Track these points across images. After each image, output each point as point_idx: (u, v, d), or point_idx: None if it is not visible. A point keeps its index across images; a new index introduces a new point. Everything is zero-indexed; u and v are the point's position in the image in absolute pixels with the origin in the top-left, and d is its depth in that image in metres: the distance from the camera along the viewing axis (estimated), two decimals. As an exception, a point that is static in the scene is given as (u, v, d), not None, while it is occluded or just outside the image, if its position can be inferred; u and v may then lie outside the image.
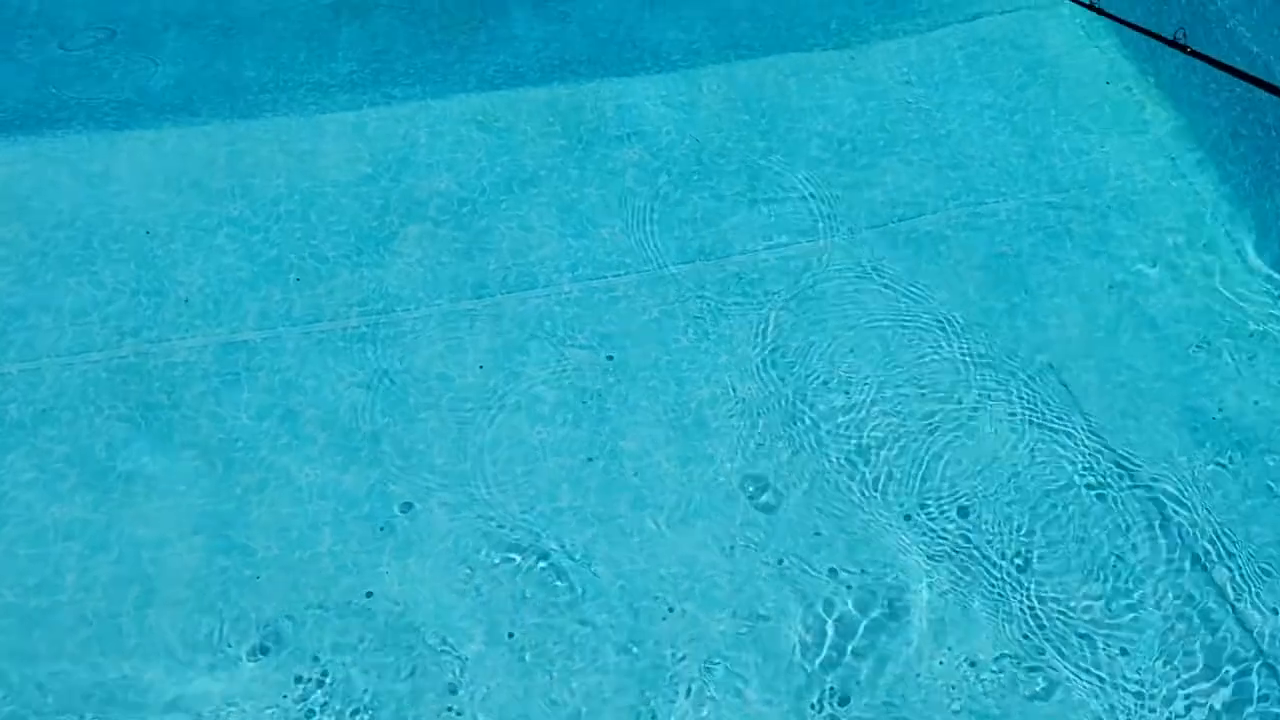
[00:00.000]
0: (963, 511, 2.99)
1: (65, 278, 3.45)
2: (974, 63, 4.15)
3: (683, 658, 2.73)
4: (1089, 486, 3.03)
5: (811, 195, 3.81)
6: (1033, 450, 3.11)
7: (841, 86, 4.16)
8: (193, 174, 3.81)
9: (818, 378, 3.30)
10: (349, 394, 3.28)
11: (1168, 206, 3.69)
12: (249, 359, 3.35)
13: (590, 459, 3.12)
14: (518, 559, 2.93)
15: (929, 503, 3.01)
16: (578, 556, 2.93)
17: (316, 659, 2.74)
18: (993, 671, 2.71)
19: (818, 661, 2.73)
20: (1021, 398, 3.23)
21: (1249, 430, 3.11)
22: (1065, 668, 2.71)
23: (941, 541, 2.94)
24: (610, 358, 3.36)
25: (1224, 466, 3.05)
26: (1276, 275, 3.48)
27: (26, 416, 3.17)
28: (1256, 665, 2.69)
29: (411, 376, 3.32)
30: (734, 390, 3.28)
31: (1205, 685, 2.66)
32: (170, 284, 3.52)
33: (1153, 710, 2.63)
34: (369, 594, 2.85)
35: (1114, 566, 2.87)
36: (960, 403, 3.22)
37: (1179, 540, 2.91)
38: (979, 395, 3.24)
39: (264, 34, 4.52)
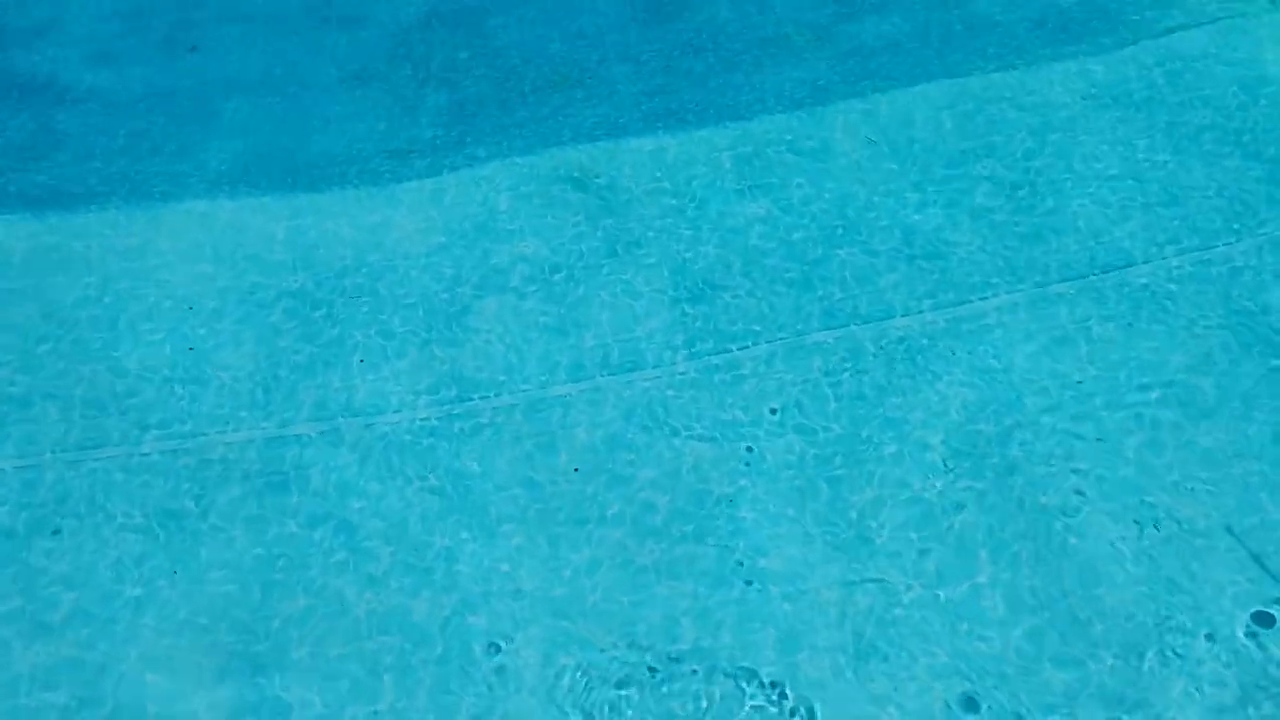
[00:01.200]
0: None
1: (79, 364, 2.90)
2: (1176, 81, 3.38)
3: None
4: None
5: (983, 247, 3.06)
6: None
7: (1011, 118, 3.43)
8: (248, 247, 3.28)
9: (1025, 477, 2.50)
10: (419, 501, 2.62)
11: None
12: (299, 456, 2.73)
13: (720, 583, 2.37)
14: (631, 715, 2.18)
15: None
16: None
17: None
18: None
19: None
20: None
21: None
22: None
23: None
24: (750, 449, 2.63)
25: None
26: None
27: (19, 523, 2.58)
28: None
29: (493, 482, 2.64)
30: (909, 491, 2.50)
31: None
32: (211, 368, 2.94)
33: None
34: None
35: None
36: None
37: None
38: None
39: (339, 102, 4.05)
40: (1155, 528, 2.38)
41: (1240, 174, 3.07)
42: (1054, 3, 3.97)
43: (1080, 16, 3.82)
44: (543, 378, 2.88)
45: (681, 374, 2.84)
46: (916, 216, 3.21)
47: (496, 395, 2.85)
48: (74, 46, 4.24)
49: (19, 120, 3.88)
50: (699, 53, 4.26)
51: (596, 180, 3.44)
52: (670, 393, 2.79)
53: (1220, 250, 2.93)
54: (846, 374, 2.76)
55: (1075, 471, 2.50)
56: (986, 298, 2.94)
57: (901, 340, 2.84)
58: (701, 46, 4.31)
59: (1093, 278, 2.93)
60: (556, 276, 3.13)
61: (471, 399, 2.84)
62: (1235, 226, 2.96)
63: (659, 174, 3.45)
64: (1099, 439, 2.55)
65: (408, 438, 2.76)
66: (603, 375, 2.85)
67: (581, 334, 2.97)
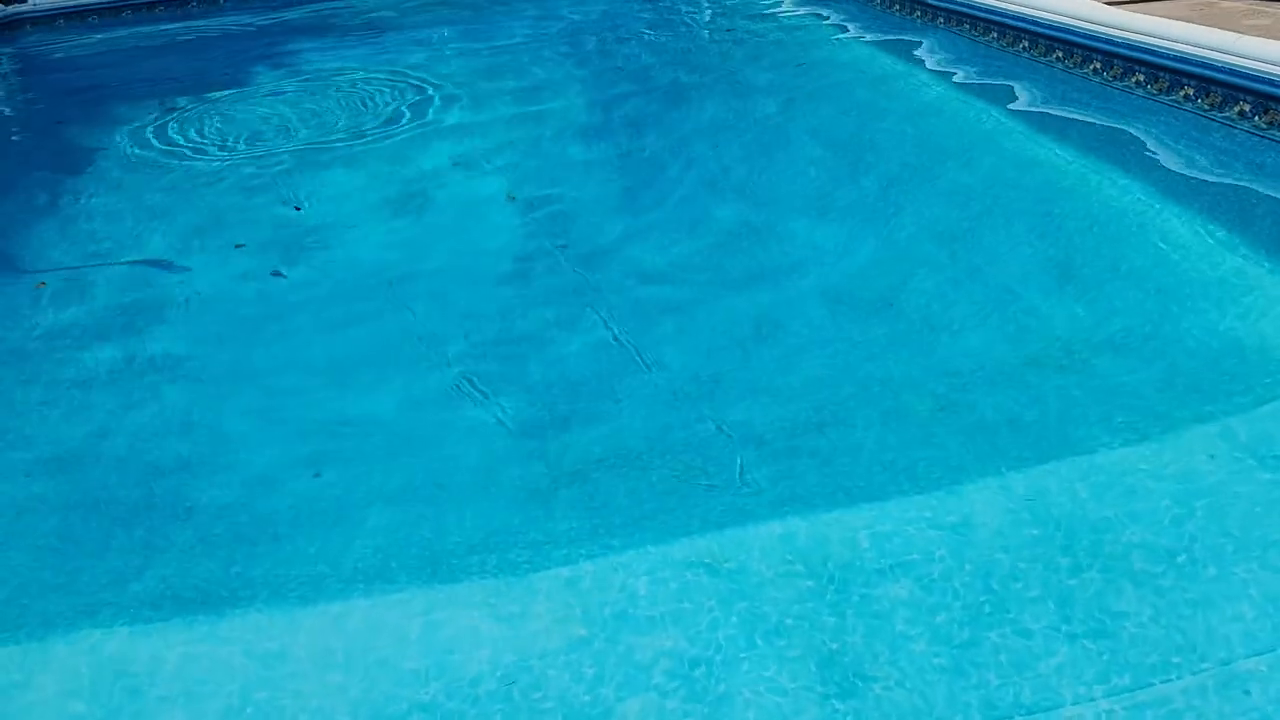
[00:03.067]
0: None
1: (214, 787, 2.82)
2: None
3: None
4: None
5: (1152, 620, 2.86)
6: None
7: (1150, 488, 3.33)
8: (380, 650, 3.26)
9: None
10: None
11: None
12: None
13: None
14: None
15: None
16: None
17: None
18: None
19: None
20: None
21: None
22: None
23: None
24: None
25: None
26: None
27: None
28: None
29: None
30: None
31: None
32: (340, 790, 2.82)
33: None
34: None
35: None
36: None
37: None
38: None
39: (475, 500, 4.20)
40: None
41: None
42: (1178, 367, 3.98)
43: (1211, 381, 3.80)
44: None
45: (846, 778, 2.61)
46: (1071, 581, 3.05)
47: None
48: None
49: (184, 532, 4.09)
50: (822, 429, 4.34)
51: (726, 564, 3.40)
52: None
53: None
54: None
55: None
56: (1170, 680, 2.69)
57: (1075, 731, 2.59)
58: (824, 423, 4.40)
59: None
60: (696, 672, 3.01)
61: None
62: None
63: (790, 557, 3.40)
64: None
65: None
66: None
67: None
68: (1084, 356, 4.36)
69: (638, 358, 5.48)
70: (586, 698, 3.00)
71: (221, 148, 8.74)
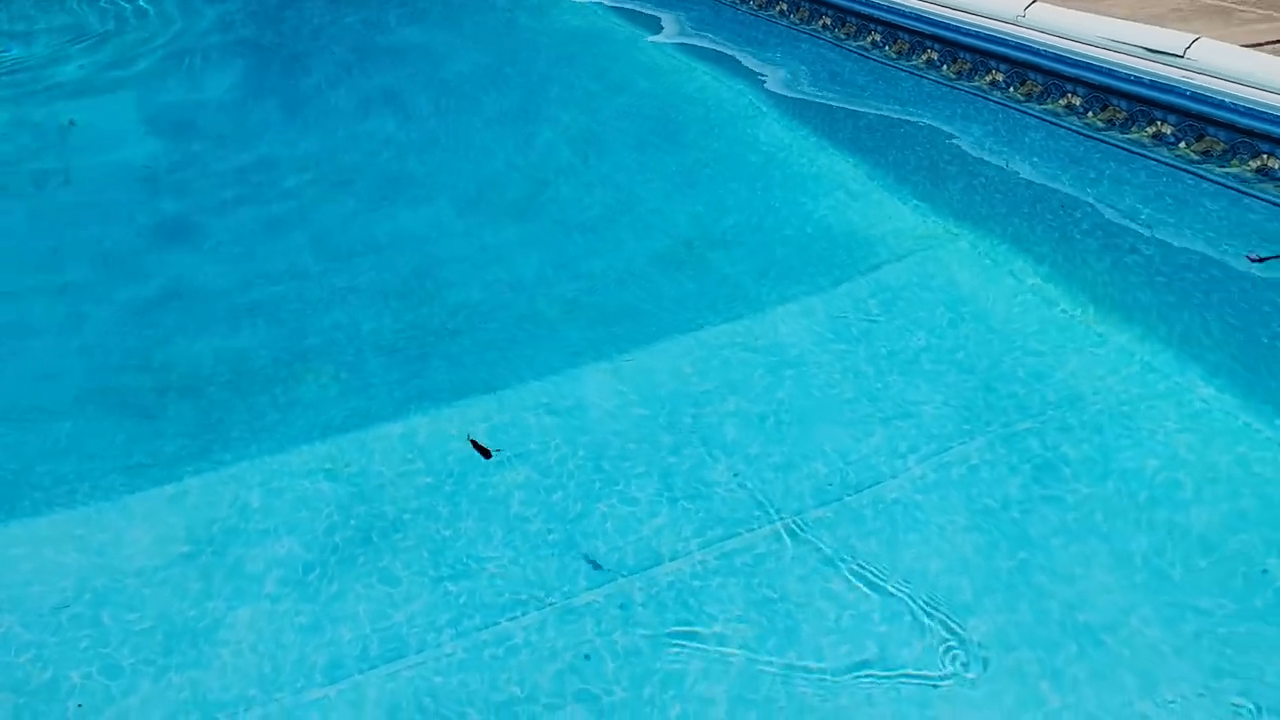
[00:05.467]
0: None
1: None
2: (891, 308, 3.65)
3: None
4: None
5: (742, 483, 3.09)
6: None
7: (746, 359, 3.59)
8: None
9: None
10: None
11: (1169, 409, 3.08)
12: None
13: None
14: None
15: None
16: None
17: None
18: None
19: None
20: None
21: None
22: None
23: None
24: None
25: None
26: None
27: None
28: None
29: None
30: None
31: None
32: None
33: None
34: None
35: None
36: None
37: None
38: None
39: (74, 419, 3.82)
40: None
41: (958, 387, 3.28)
42: (775, 257, 4.30)
43: (801, 267, 4.14)
44: (297, 682, 2.60)
45: (449, 655, 2.63)
46: (672, 459, 3.23)
47: (247, 710, 2.55)
48: None
49: None
50: (455, 336, 4.31)
51: (348, 469, 3.31)
52: (438, 679, 2.57)
53: (955, 450, 3.07)
54: (619, 632, 2.63)
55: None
56: (754, 530, 2.93)
57: (672, 585, 2.76)
58: (458, 330, 4.37)
59: (848, 499, 2.99)
60: (310, 576, 2.92)
61: (215, 721, 2.53)
62: (966, 427, 3.13)
63: (410, 455, 3.37)
64: (878, 655, 2.50)
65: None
66: (361, 672, 2.61)
67: (339, 629, 2.74)
68: (701, 251, 4.61)
69: (265, 265, 5.19)
70: (192, 612, 2.84)
71: None
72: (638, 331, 3.92)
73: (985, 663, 2.46)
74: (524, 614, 2.72)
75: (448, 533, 3.02)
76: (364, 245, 5.28)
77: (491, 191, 5.64)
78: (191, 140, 6.79)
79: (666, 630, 2.63)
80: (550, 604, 2.74)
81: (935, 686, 2.42)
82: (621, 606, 2.69)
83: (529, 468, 3.26)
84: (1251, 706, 2.30)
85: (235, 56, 8.45)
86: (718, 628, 2.62)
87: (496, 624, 2.70)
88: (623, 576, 2.80)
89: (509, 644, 2.64)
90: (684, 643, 2.59)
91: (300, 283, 4.97)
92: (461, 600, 2.78)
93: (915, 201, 4.47)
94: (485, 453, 3.11)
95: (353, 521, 3.11)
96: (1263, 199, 3.10)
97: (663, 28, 7.71)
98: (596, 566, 2.84)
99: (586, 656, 2.58)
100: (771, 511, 2.98)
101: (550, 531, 2.99)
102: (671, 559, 2.84)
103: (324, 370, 4.10)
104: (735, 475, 3.11)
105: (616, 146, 5.85)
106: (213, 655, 2.69)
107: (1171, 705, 2.32)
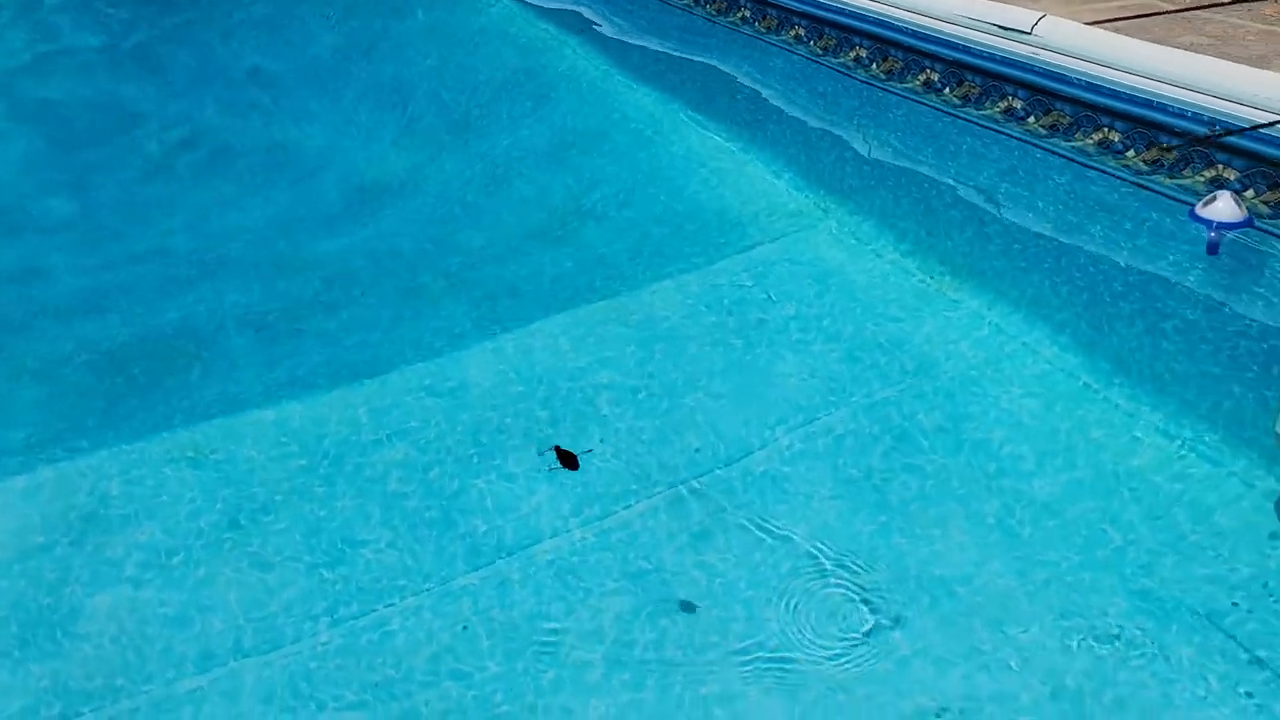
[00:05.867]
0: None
1: None
2: (762, 282, 3.74)
3: None
4: None
5: (617, 455, 3.14)
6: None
7: (621, 334, 3.63)
8: None
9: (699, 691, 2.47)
10: None
11: (1015, 373, 3.25)
12: None
13: None
14: None
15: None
16: None
17: None
18: None
19: None
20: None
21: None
22: None
23: None
24: (405, 708, 2.42)
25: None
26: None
27: None
28: None
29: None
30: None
31: None
32: None
33: None
34: None
35: None
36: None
37: None
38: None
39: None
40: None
41: (823, 358, 3.39)
42: (649, 234, 4.35)
43: (674, 244, 4.20)
44: (167, 681, 2.55)
45: (325, 643, 2.61)
46: (549, 431, 3.26)
47: (114, 702, 2.49)
48: None
49: None
50: (332, 310, 4.22)
51: (213, 456, 3.24)
52: (313, 665, 2.55)
53: (821, 421, 3.17)
54: (496, 611, 2.65)
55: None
56: (630, 505, 2.98)
57: (551, 563, 2.79)
58: (334, 303, 4.28)
59: (719, 471, 3.06)
60: (174, 561, 2.85)
61: (82, 713, 2.46)
62: (831, 399, 3.24)
63: (284, 439, 3.31)
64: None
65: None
66: (235, 659, 2.57)
67: (210, 619, 2.69)
68: (574, 227, 4.62)
69: (132, 246, 5.01)
70: (47, 600, 2.75)
71: None
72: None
73: (846, 618, 2.57)
74: (401, 599, 2.71)
75: (323, 514, 2.99)
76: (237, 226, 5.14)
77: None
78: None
79: (542, 606, 2.66)
80: (427, 590, 2.74)
81: (798, 647, 2.51)
82: (500, 592, 2.71)
83: (408, 446, 3.24)
84: (1093, 640, 2.47)
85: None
86: (594, 601, 2.67)
87: (374, 610, 2.68)
88: (502, 559, 2.82)
89: (386, 630, 2.63)
90: (560, 619, 2.63)
91: (165, 259, 4.82)
92: (338, 588, 2.75)
93: (789, 176, 4.54)
94: (573, 462, 3.07)
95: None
96: (1103, 170, 3.26)
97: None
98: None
99: (464, 627, 2.60)
100: (646, 484, 3.03)
101: (428, 510, 2.99)
102: (552, 536, 2.87)
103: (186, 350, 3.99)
104: (609, 447, 3.16)
105: (491, 122, 5.79)
106: (72, 647, 2.62)
107: (1023, 636, 2.47)
